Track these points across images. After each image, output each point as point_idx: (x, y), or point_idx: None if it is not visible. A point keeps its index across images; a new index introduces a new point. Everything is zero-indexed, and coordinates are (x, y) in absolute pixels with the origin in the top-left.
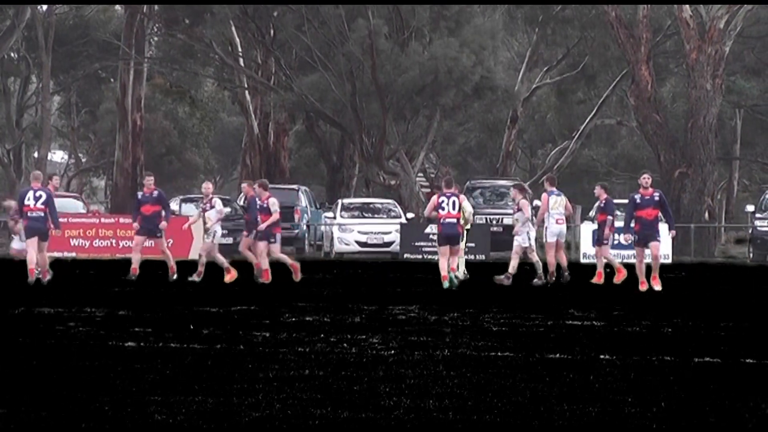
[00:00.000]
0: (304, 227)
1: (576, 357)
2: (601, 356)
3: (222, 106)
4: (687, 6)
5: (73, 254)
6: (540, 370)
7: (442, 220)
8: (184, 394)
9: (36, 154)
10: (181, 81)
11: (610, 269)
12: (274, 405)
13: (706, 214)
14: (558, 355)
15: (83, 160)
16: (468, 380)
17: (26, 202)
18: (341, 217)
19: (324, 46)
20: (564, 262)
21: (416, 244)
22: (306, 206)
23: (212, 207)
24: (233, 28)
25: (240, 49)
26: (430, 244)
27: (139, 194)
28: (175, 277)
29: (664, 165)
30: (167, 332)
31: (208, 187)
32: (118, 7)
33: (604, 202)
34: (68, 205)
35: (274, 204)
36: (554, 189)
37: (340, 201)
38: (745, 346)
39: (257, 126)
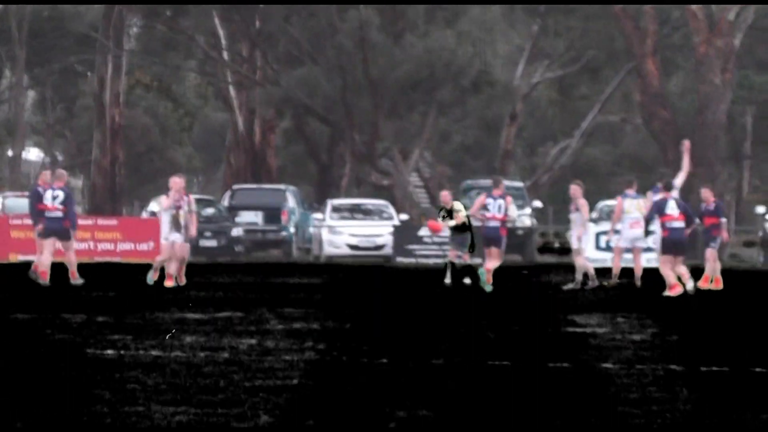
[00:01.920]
0: (292, 229)
1: (574, 365)
2: (604, 365)
3: (205, 102)
4: None
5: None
6: (540, 379)
7: (485, 222)
8: (167, 405)
9: (10, 152)
10: (162, 75)
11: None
12: (260, 416)
13: None
14: (557, 364)
15: (59, 158)
16: (462, 388)
17: (44, 202)
18: (331, 218)
19: (313, 39)
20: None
21: (409, 247)
22: (294, 207)
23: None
24: (217, 20)
25: (224, 42)
26: (424, 247)
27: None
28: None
29: (671, 164)
30: (148, 339)
31: (177, 182)
32: None
33: (713, 205)
34: None
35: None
36: (632, 192)
37: (329, 202)
38: (755, 355)
39: (242, 123)
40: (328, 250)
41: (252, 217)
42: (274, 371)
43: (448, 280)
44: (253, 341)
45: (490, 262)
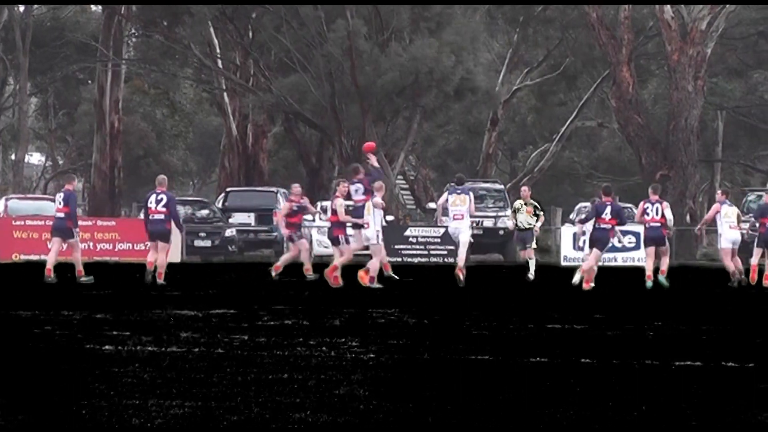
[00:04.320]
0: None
1: (556, 360)
2: (582, 359)
3: (200, 108)
4: (668, 7)
5: None
6: (520, 374)
7: (647, 224)
8: (162, 398)
9: (13, 157)
10: (159, 83)
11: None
12: (252, 409)
13: (688, 217)
14: (538, 359)
15: (60, 162)
16: (448, 384)
17: (149, 205)
18: (320, 219)
19: (303, 48)
20: (738, 266)
21: (396, 247)
22: None
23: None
24: (212, 30)
25: (218, 51)
26: (410, 247)
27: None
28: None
29: (645, 167)
30: (145, 335)
31: (297, 188)
32: (95, 8)
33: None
34: (45, 207)
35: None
36: (726, 200)
37: (319, 203)
38: (727, 350)
39: (236, 128)
40: (318, 249)
41: (245, 218)
42: (265, 366)
43: (531, 275)
44: (246, 337)
45: (652, 261)
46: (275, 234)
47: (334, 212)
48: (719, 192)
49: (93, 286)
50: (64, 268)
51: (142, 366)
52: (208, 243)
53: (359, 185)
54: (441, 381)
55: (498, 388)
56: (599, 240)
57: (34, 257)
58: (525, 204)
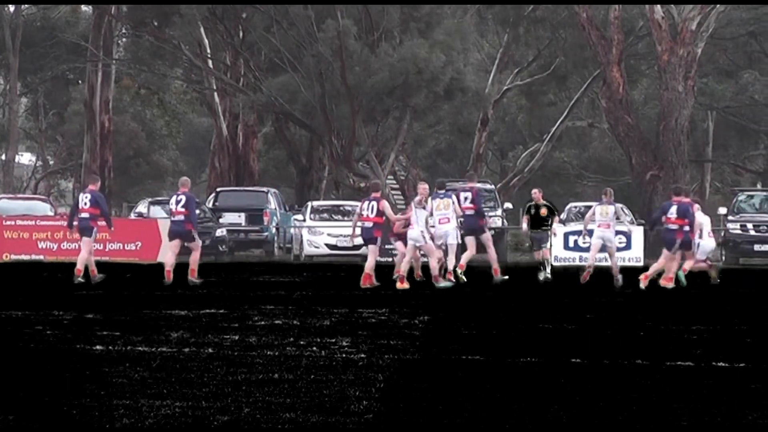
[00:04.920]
0: (273, 230)
1: (546, 360)
2: (573, 359)
3: (190, 108)
4: (658, 7)
5: (41, 257)
6: (511, 374)
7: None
8: (153, 398)
9: (3, 156)
10: (149, 83)
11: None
12: (242, 409)
13: None
14: (529, 359)
15: (51, 162)
16: (438, 384)
17: (170, 207)
18: (311, 219)
19: (293, 48)
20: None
21: (386, 247)
22: (275, 209)
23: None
24: (202, 30)
25: (209, 51)
26: None
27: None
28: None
29: (635, 167)
30: (135, 335)
31: (424, 187)
32: (85, 8)
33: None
34: (36, 207)
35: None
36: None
37: (309, 203)
38: (717, 349)
39: (226, 128)
40: (308, 249)
41: (235, 218)
42: (256, 366)
43: (549, 275)
44: (236, 337)
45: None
46: (265, 234)
47: (379, 213)
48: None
49: (84, 286)
50: (60, 268)
51: (133, 366)
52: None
53: (373, 203)
54: (432, 381)
55: (489, 389)
56: (664, 240)
57: (24, 257)
58: (538, 206)
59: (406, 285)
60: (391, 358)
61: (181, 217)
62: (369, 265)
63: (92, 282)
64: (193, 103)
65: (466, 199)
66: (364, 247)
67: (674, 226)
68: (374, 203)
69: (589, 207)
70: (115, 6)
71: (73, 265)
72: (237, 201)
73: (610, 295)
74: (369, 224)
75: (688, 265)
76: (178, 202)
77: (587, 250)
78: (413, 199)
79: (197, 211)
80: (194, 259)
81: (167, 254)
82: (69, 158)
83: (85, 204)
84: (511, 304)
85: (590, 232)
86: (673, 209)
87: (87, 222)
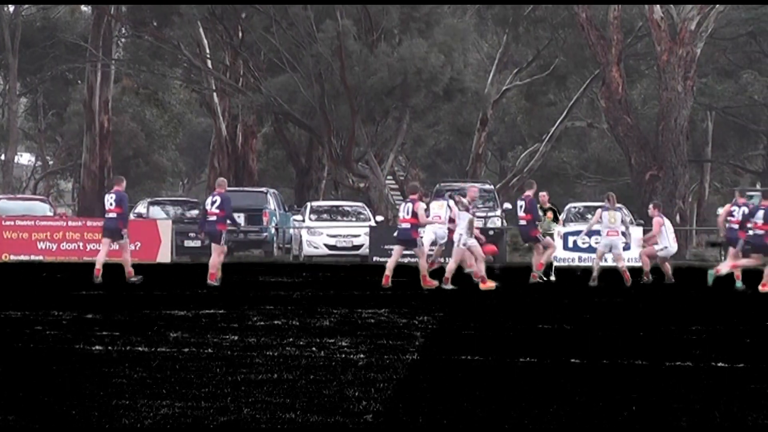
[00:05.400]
0: (273, 230)
1: (546, 361)
2: (572, 360)
3: (190, 108)
4: (658, 7)
5: (41, 257)
6: (510, 375)
7: (753, 231)
8: (152, 399)
9: (3, 157)
10: (148, 83)
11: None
12: (242, 409)
13: (678, 217)
14: (528, 359)
15: (50, 162)
16: (437, 384)
17: (206, 207)
18: (310, 220)
19: (292, 48)
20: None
21: (385, 247)
22: (274, 209)
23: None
24: (201, 30)
25: (208, 51)
26: None
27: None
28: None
29: (635, 167)
30: (135, 336)
31: (474, 190)
32: (85, 8)
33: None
34: (35, 207)
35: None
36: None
37: (308, 204)
38: (717, 350)
39: (225, 128)
40: (308, 250)
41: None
42: (255, 366)
43: (553, 277)
44: (236, 337)
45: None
46: (265, 234)
47: (414, 215)
48: (652, 206)
49: (88, 286)
50: (59, 268)
51: (132, 366)
52: (197, 243)
53: (409, 204)
54: (431, 381)
55: (489, 389)
56: (755, 245)
57: (23, 257)
58: (544, 209)
59: (491, 284)
60: (390, 358)
61: (214, 218)
62: (422, 267)
63: (128, 282)
64: (193, 104)
65: (521, 207)
66: (364, 248)
67: (760, 232)
68: (410, 205)
69: (588, 207)
70: (114, 6)
71: (72, 264)
72: (236, 201)
73: (610, 296)
74: (406, 225)
75: (742, 262)
76: (213, 203)
77: (586, 250)
78: (458, 201)
79: (196, 212)
80: (213, 263)
81: (213, 257)
82: (68, 158)
83: (111, 204)
84: (512, 304)
85: (590, 234)
86: (760, 214)
87: (115, 222)
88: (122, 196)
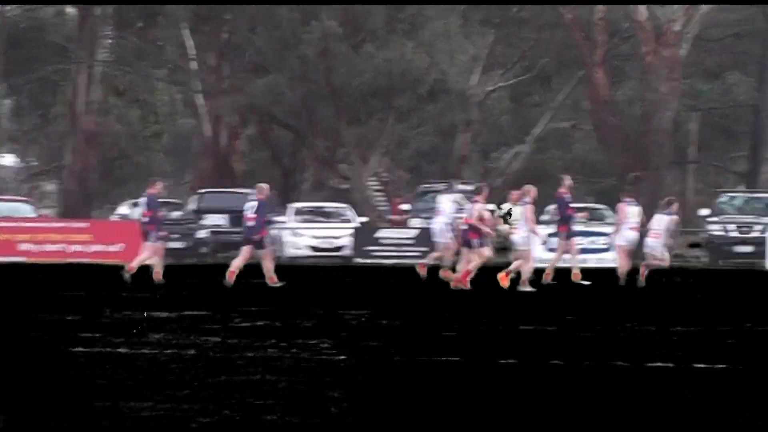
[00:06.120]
0: None
1: (528, 362)
2: (553, 361)
3: (175, 109)
4: (643, 8)
5: (23, 258)
6: (490, 376)
7: None
8: (134, 400)
9: None
10: (133, 84)
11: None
12: (224, 410)
13: None
14: (509, 360)
15: (34, 164)
16: (420, 385)
17: (245, 212)
18: (293, 221)
19: (277, 49)
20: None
21: (368, 248)
22: None
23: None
24: (186, 31)
25: (193, 52)
26: (381, 248)
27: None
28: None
29: (619, 168)
30: (117, 337)
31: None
32: (71, 9)
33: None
34: (18, 209)
35: None
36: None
37: (292, 205)
38: (698, 351)
39: (209, 129)
40: (290, 251)
41: (218, 220)
42: (237, 367)
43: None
44: (218, 339)
45: None
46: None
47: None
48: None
49: (72, 288)
50: (42, 270)
51: (114, 368)
52: (180, 245)
53: (471, 206)
54: (413, 383)
55: (469, 390)
56: None
57: (4, 259)
58: (509, 211)
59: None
60: (371, 359)
61: (252, 223)
62: (474, 266)
63: (156, 283)
64: (177, 105)
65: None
66: (346, 249)
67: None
68: (471, 206)
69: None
70: (99, 6)
71: (54, 266)
72: (220, 202)
73: (592, 296)
74: (467, 226)
75: None
76: (251, 208)
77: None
78: (520, 200)
79: (179, 213)
80: (267, 267)
81: (238, 259)
82: (52, 160)
83: (144, 207)
84: (494, 306)
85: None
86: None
87: (146, 226)
88: (150, 199)
